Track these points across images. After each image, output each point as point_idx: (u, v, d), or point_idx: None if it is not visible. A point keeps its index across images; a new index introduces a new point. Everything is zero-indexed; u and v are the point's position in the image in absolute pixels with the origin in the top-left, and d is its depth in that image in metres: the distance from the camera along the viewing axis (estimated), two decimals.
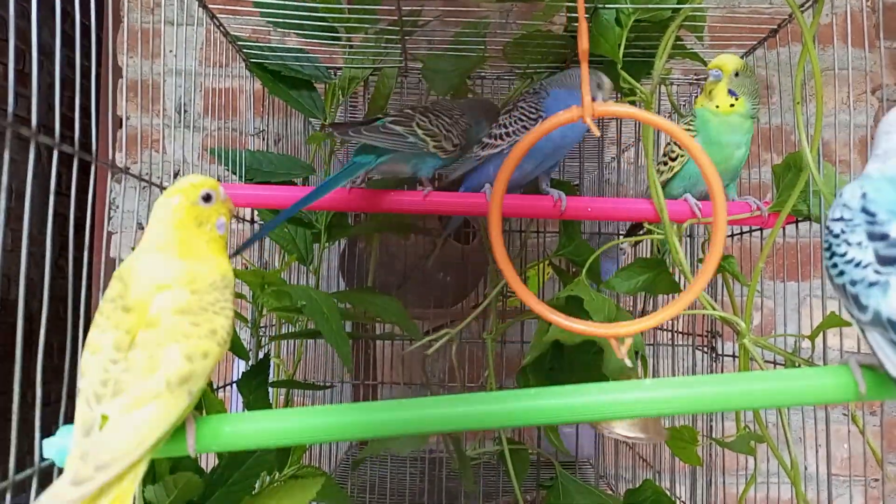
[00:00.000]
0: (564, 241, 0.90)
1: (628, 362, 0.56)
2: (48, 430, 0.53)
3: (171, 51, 0.91)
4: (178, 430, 0.53)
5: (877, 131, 0.56)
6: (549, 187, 0.84)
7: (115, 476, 0.45)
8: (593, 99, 0.56)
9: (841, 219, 0.53)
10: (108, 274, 1.36)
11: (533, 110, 0.81)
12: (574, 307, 0.77)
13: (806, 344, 0.83)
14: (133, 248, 0.56)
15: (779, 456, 0.73)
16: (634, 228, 0.97)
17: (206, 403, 0.73)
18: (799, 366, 0.69)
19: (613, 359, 0.70)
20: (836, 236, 0.53)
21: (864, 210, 0.52)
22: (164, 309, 0.51)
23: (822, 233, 0.55)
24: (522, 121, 0.81)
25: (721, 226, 0.55)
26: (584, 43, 0.55)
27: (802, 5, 0.75)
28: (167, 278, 0.52)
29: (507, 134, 0.82)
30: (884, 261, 0.50)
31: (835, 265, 0.53)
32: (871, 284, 0.50)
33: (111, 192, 1.32)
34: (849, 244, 0.52)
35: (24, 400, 0.52)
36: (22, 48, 1.35)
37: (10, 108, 0.52)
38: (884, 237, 0.50)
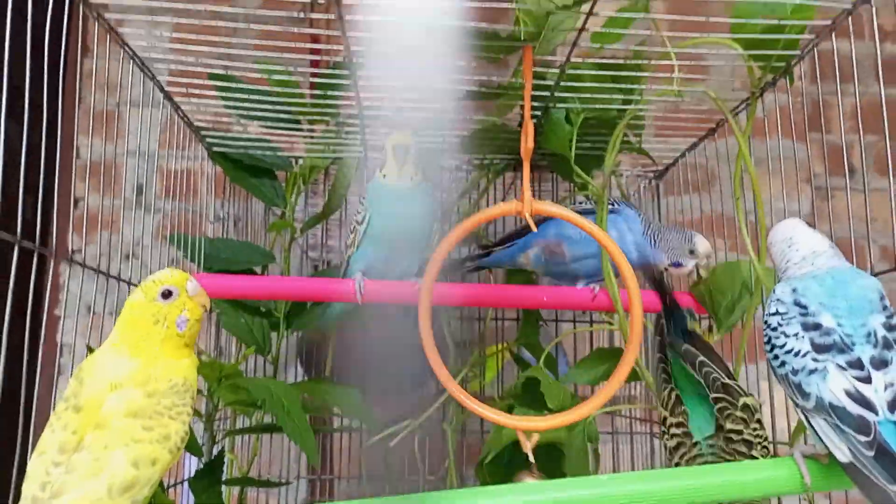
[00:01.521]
0: (524, 328, 0.91)
1: (525, 448, 0.56)
2: None
3: (130, 133, 0.93)
4: None
5: (775, 245, 0.61)
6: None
7: None
8: (679, 265, 0.62)
9: (776, 313, 0.56)
10: (52, 358, 1.32)
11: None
12: (532, 392, 0.77)
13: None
14: (83, 335, 0.55)
15: None
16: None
17: None
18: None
19: (574, 457, 0.70)
20: (774, 329, 0.56)
21: (797, 303, 0.55)
22: (115, 411, 0.50)
23: (763, 328, 0.58)
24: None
25: (637, 322, 0.58)
26: (528, 143, 0.58)
27: (737, 108, 0.81)
28: (120, 377, 0.51)
29: None
30: (819, 349, 0.52)
31: (776, 356, 0.55)
32: (811, 372, 0.52)
33: (61, 276, 1.30)
34: (786, 336, 0.54)
35: None
36: None
37: None
38: (817, 327, 0.53)
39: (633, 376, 0.83)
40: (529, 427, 0.55)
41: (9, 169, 0.56)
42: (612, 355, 0.82)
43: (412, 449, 0.93)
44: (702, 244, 0.81)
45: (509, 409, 0.83)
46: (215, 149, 1.01)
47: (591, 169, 0.88)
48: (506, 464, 0.78)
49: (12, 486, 0.54)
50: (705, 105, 0.83)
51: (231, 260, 1.00)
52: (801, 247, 0.59)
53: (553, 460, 0.75)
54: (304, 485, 1.22)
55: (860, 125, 0.67)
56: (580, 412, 0.57)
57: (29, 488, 0.47)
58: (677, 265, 0.81)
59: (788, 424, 0.76)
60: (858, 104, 0.65)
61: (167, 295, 0.54)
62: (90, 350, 0.70)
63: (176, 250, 0.98)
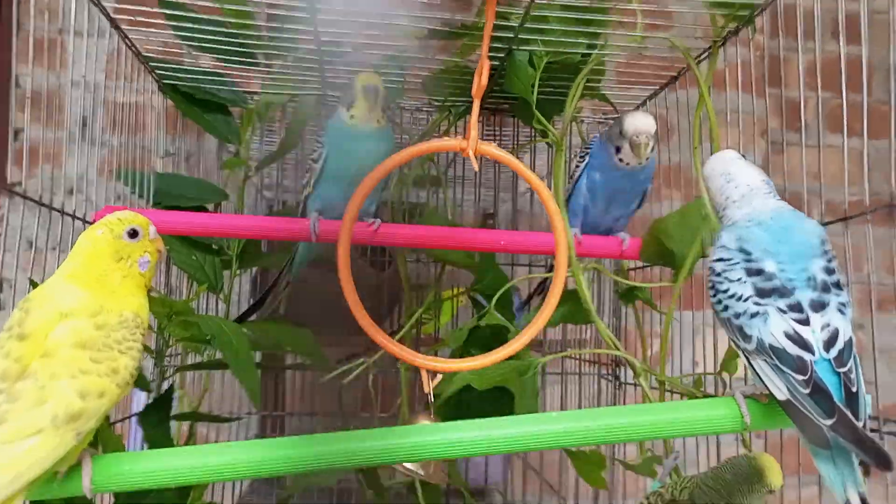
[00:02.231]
0: (481, 272, 0.91)
1: (425, 387, 0.58)
2: None
3: (74, 62, 0.88)
4: (74, 469, 0.51)
5: (713, 179, 0.62)
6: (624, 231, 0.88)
7: None
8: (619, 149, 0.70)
9: (721, 259, 0.58)
10: None
11: (583, 156, 0.87)
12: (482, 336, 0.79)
13: (699, 369, 0.88)
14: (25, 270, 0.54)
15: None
16: None
17: (103, 439, 0.70)
18: (703, 395, 0.74)
19: (524, 400, 0.72)
20: (718, 275, 0.57)
21: (741, 250, 0.57)
22: (63, 340, 0.49)
23: (707, 273, 0.59)
24: (574, 162, 0.88)
25: (561, 265, 0.60)
26: (482, 80, 0.57)
27: (698, 57, 0.81)
28: (71, 307, 0.50)
29: (570, 177, 0.89)
30: (762, 293, 0.54)
31: (719, 301, 0.57)
32: (753, 315, 0.54)
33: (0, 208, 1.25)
34: (730, 281, 0.56)
35: None
36: None
37: None
38: (760, 272, 0.55)
39: (585, 319, 0.85)
40: (432, 367, 0.57)
41: None
42: (567, 298, 0.83)
43: (366, 386, 0.94)
44: (629, 121, 0.80)
45: (461, 354, 0.85)
46: (166, 81, 0.97)
47: (552, 114, 0.88)
48: (454, 406, 0.80)
49: None
50: (667, 53, 0.83)
51: (183, 196, 0.97)
52: (739, 182, 0.60)
53: (504, 404, 0.77)
54: (256, 421, 1.22)
55: (819, 82, 0.68)
56: (496, 356, 0.59)
57: None
58: (618, 150, 0.82)
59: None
60: (818, 60, 0.66)
61: (133, 234, 0.54)
62: (34, 284, 0.68)
63: (123, 186, 0.94)
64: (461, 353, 0.84)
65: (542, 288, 1.02)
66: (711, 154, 0.72)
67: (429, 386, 0.57)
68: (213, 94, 0.98)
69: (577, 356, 1.16)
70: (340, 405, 0.98)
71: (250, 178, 1.04)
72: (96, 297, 0.52)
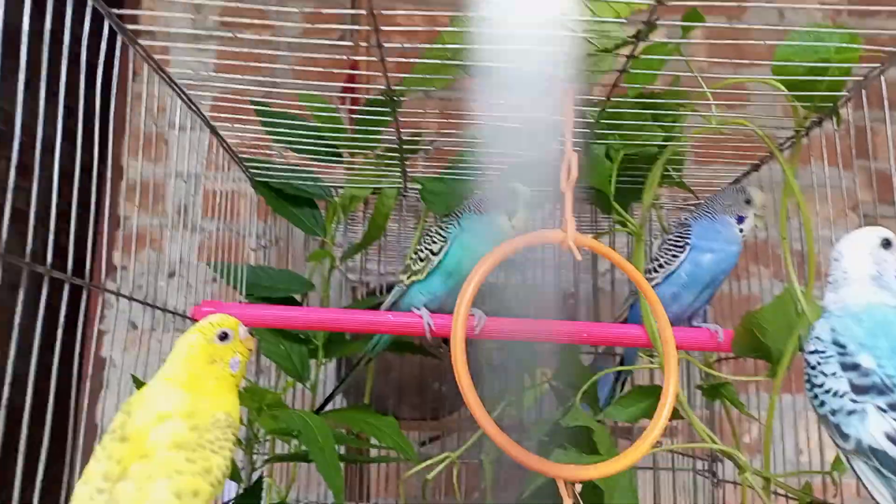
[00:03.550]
0: (563, 363, 0.90)
1: (567, 502, 0.55)
2: None
3: (176, 154, 0.96)
4: None
5: (833, 255, 0.59)
6: (704, 321, 0.87)
7: None
8: (743, 218, 0.73)
9: (815, 351, 0.55)
10: (98, 372, 1.36)
11: (680, 239, 0.85)
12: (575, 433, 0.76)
13: (805, 458, 0.82)
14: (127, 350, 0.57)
15: None
16: None
17: None
18: (810, 502, 0.69)
19: (617, 495, 0.69)
20: (814, 368, 0.54)
21: (835, 342, 0.54)
22: (161, 442, 0.51)
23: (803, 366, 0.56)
24: (672, 251, 0.85)
25: (672, 364, 0.58)
26: (572, 173, 0.58)
27: (782, 145, 0.79)
28: (168, 408, 0.53)
29: (661, 266, 0.85)
30: (858, 390, 0.51)
31: (815, 396, 0.54)
32: (850, 413, 0.51)
33: (106, 284, 1.34)
34: (825, 375, 0.53)
35: None
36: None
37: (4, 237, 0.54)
38: (855, 367, 0.52)
39: (675, 414, 0.82)
40: (570, 477, 0.54)
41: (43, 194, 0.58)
42: (652, 392, 0.80)
43: (452, 481, 0.92)
44: (755, 191, 0.82)
45: (545, 447, 0.83)
46: (258, 178, 1.03)
47: (630, 202, 0.88)
48: (544, 499, 0.78)
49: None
50: (748, 141, 0.82)
51: (271, 287, 1.01)
52: (843, 265, 0.57)
53: (593, 497, 0.74)
54: None
55: None
56: (627, 460, 0.56)
57: None
58: (741, 219, 0.82)
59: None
60: None
61: (224, 337, 0.57)
62: (137, 382, 0.71)
63: (218, 277, 0.99)
64: (546, 445, 0.82)
65: None
66: (801, 235, 0.69)
67: (568, 497, 0.54)
68: (301, 189, 1.03)
69: (670, 450, 1.10)
70: (424, 495, 0.96)
71: (336, 269, 1.07)
72: (191, 398, 0.54)
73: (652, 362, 0.79)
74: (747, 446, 1.23)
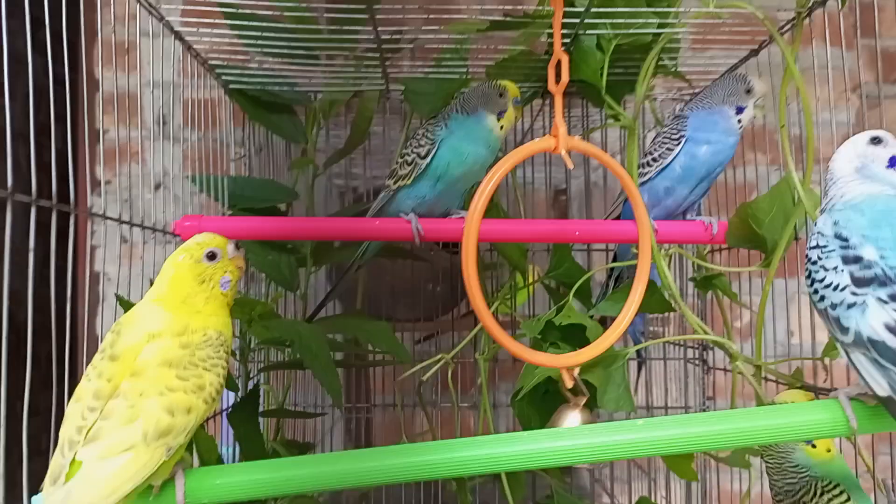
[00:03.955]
0: (555, 261, 0.89)
1: (568, 384, 0.56)
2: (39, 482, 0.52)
3: (148, 63, 0.92)
4: (168, 483, 0.53)
5: (833, 158, 0.57)
6: (697, 215, 0.86)
7: None
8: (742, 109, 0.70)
9: (817, 246, 0.54)
10: (93, 287, 1.36)
11: (676, 131, 0.82)
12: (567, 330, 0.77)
13: (796, 340, 0.82)
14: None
15: None
16: None
17: (197, 440, 0.73)
18: (801, 386, 0.70)
19: (610, 393, 0.70)
20: (814, 263, 0.54)
21: (838, 236, 0.53)
22: (151, 359, 0.51)
23: (803, 261, 0.56)
24: (666, 143, 0.82)
25: (645, 256, 0.60)
26: (563, 76, 0.55)
27: (782, 28, 0.75)
28: (158, 328, 0.52)
29: (654, 159, 0.83)
30: (859, 282, 0.51)
31: (815, 291, 0.54)
32: (850, 306, 0.51)
33: (93, 205, 1.31)
34: (826, 269, 0.53)
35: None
36: None
37: None
38: (857, 260, 0.51)
39: (666, 306, 0.82)
40: (569, 363, 0.56)
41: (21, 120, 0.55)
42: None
43: (447, 379, 0.94)
44: (756, 80, 0.80)
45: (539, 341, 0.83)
46: (232, 86, 0.98)
47: (622, 95, 0.84)
48: (542, 395, 0.79)
49: (53, 418, 0.55)
50: (746, 24, 0.78)
51: (254, 198, 0.99)
52: (832, 166, 0.56)
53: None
54: (339, 412, 1.25)
55: None
56: (606, 342, 0.58)
57: (66, 431, 0.48)
58: (740, 109, 0.80)
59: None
60: None
61: (212, 257, 0.56)
62: (123, 303, 0.70)
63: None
64: (539, 342, 0.83)
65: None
66: (800, 116, 0.67)
67: (568, 382, 0.57)
68: (278, 95, 0.99)
69: (662, 341, 1.12)
70: (420, 396, 0.98)
71: (319, 177, 1.04)
72: (181, 318, 0.54)
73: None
74: (738, 331, 1.24)
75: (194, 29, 0.83)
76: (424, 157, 0.81)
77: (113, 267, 0.98)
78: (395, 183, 0.85)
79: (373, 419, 1.28)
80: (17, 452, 0.54)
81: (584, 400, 0.64)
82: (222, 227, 0.83)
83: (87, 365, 0.53)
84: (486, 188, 0.55)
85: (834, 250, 0.53)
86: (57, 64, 0.60)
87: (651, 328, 1.13)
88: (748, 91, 0.79)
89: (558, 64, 0.56)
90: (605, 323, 0.82)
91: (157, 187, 0.85)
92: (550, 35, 0.81)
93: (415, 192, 0.83)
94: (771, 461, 0.65)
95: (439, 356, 0.89)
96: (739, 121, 0.80)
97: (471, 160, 0.81)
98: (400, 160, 0.85)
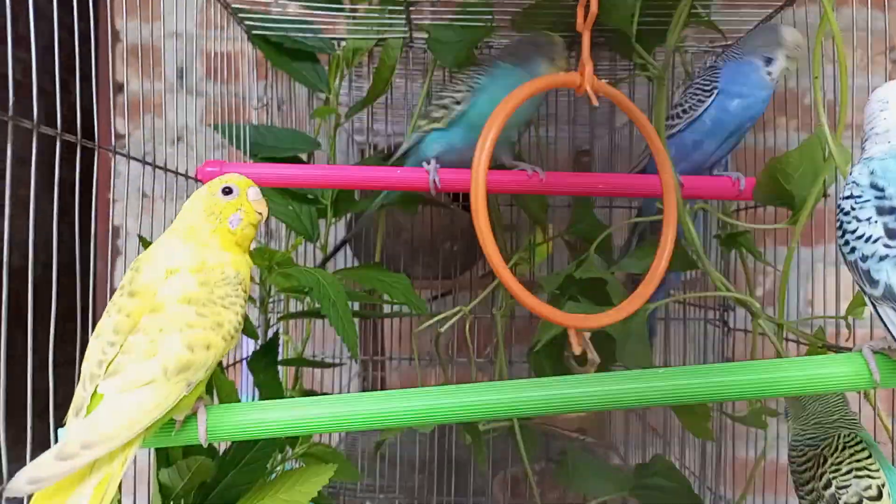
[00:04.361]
0: (577, 217, 0.88)
1: (576, 349, 0.55)
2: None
3: (168, 14, 0.91)
4: (190, 418, 0.53)
5: (868, 109, 0.55)
6: (726, 170, 0.83)
7: (101, 456, 0.45)
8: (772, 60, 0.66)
9: (850, 196, 0.52)
10: (113, 240, 1.37)
11: (708, 83, 0.80)
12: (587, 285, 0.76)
13: (813, 310, 0.81)
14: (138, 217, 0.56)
15: None
16: None
17: (218, 385, 0.73)
18: (822, 346, 0.69)
19: (630, 347, 0.69)
20: (847, 213, 0.52)
21: (873, 186, 0.51)
22: (171, 296, 0.51)
23: (836, 212, 0.54)
24: (697, 95, 0.80)
25: (671, 211, 0.57)
26: (592, 7, 0.54)
27: None
28: (176, 264, 0.52)
29: (685, 111, 0.80)
30: (893, 234, 0.49)
31: (846, 242, 0.52)
32: (882, 258, 0.49)
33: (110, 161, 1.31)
34: (858, 220, 0.51)
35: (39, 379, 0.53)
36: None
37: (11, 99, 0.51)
38: (893, 211, 0.50)
39: (690, 263, 0.81)
40: (580, 325, 0.54)
41: (45, 56, 0.55)
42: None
43: (464, 333, 0.94)
44: (787, 30, 0.77)
45: (558, 298, 0.83)
46: (255, 31, 0.97)
47: (653, 46, 0.82)
48: (559, 350, 0.79)
49: (77, 365, 0.56)
50: None
51: (277, 147, 0.99)
52: (889, 115, 0.53)
53: (604, 350, 0.75)
54: (351, 363, 1.26)
55: None
56: (631, 306, 0.56)
57: (86, 366, 0.49)
58: (770, 61, 0.77)
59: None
60: None
61: (227, 192, 0.56)
62: (144, 241, 0.71)
63: (217, 135, 0.97)
64: (557, 298, 0.83)
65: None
66: (834, 78, 0.65)
67: (575, 345, 0.55)
68: (301, 42, 0.97)
69: (682, 299, 1.11)
70: (437, 350, 0.99)
71: (341, 125, 1.04)
72: (198, 254, 0.54)
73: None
74: (758, 299, 1.23)
75: None
76: (460, 104, 0.79)
77: (132, 220, 0.99)
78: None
79: (386, 377, 1.29)
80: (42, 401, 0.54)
81: (594, 368, 0.64)
82: (245, 173, 0.83)
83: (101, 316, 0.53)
84: (493, 123, 0.54)
85: (869, 200, 0.51)
86: (80, 21, 0.60)
87: (672, 290, 1.12)
88: (779, 42, 0.77)
89: (587, 4, 0.54)
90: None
91: (176, 140, 0.85)
92: None
93: (446, 137, 0.81)
94: (798, 423, 0.64)
95: (457, 308, 0.89)
96: (769, 73, 0.77)
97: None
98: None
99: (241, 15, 0.94)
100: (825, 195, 0.70)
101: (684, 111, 0.80)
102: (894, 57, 1.24)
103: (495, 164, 0.83)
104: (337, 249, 1.02)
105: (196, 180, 0.84)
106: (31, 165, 0.52)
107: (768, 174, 0.70)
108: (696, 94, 0.79)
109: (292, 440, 0.84)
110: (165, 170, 0.79)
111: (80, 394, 0.48)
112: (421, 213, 1.20)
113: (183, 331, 0.50)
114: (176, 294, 0.51)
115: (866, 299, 0.52)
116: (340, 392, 1.23)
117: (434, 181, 0.78)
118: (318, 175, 0.84)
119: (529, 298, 0.55)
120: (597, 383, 0.52)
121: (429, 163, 0.79)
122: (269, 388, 0.86)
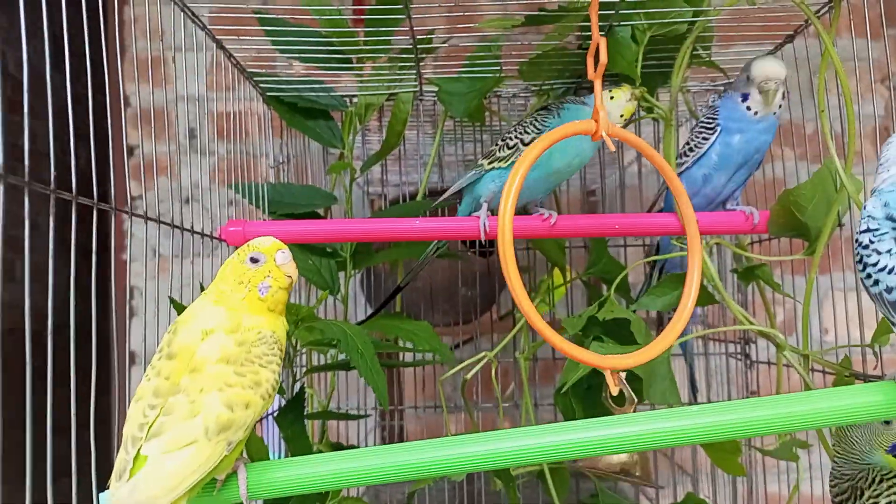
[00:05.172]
0: (593, 258, 0.89)
1: (613, 390, 0.56)
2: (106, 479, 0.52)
3: (181, 76, 0.94)
4: (231, 477, 0.54)
5: (883, 147, 0.57)
6: (738, 204, 0.84)
7: None
8: (747, 96, 0.66)
9: (868, 230, 0.53)
10: (130, 302, 1.38)
11: (710, 121, 0.81)
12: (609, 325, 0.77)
13: (829, 338, 0.81)
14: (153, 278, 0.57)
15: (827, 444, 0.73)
16: None
17: (248, 442, 0.74)
18: (849, 375, 0.69)
19: (656, 386, 0.70)
20: (866, 247, 0.53)
21: (889, 218, 0.52)
22: (209, 356, 0.52)
23: (853, 246, 0.55)
24: (702, 133, 0.81)
25: (696, 248, 0.57)
26: (602, 58, 0.56)
27: (818, 11, 0.75)
28: (212, 325, 0.54)
29: (691, 149, 0.81)
30: None
31: (868, 276, 0.53)
32: None
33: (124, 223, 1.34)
34: (879, 253, 0.52)
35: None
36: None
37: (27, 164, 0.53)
38: None
39: (709, 299, 0.82)
40: (614, 366, 0.55)
41: (58, 122, 0.56)
42: (680, 280, 0.80)
43: (489, 377, 0.94)
44: (756, 65, 0.76)
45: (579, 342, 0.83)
46: (268, 93, 1.00)
47: (656, 87, 0.84)
48: (584, 391, 0.79)
49: (91, 424, 0.56)
50: (779, 10, 0.78)
51: (294, 204, 1.00)
52: (892, 148, 0.55)
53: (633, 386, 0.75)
54: (375, 413, 1.26)
55: None
56: (662, 344, 0.57)
57: (128, 429, 0.50)
58: (745, 98, 0.77)
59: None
60: None
61: (255, 261, 0.57)
62: (176, 305, 0.72)
63: (229, 192, 0.98)
64: (580, 339, 0.83)
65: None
66: (840, 108, 0.66)
67: (613, 386, 0.55)
68: (314, 101, 1.00)
69: (703, 335, 1.11)
70: (463, 396, 0.99)
71: (356, 181, 1.06)
72: (233, 315, 0.55)
73: (683, 249, 0.78)
74: (777, 327, 1.23)
75: (234, 37, 0.85)
76: (527, 145, 0.79)
77: (147, 281, 1.00)
78: (489, 163, 0.82)
79: (405, 426, 1.28)
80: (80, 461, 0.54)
81: (632, 408, 0.63)
82: (267, 232, 0.85)
83: (119, 378, 0.53)
84: (517, 172, 0.55)
85: (887, 232, 0.52)
86: (85, 85, 0.61)
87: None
88: (749, 78, 0.77)
89: (596, 53, 0.57)
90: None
91: (186, 201, 0.87)
92: (583, 29, 0.81)
93: (505, 176, 0.82)
94: (840, 451, 0.64)
95: (482, 353, 0.90)
96: (749, 108, 0.78)
97: (572, 152, 0.78)
98: (501, 142, 0.83)
99: (256, 79, 0.97)
100: (840, 224, 0.71)
101: (691, 149, 0.82)
102: (889, 84, 1.27)
103: (522, 205, 0.84)
104: (383, 306, 1.03)
105: (212, 238, 0.86)
106: (47, 230, 0.53)
107: (782, 207, 0.71)
108: (701, 133, 0.81)
109: (324, 494, 0.84)
110: (182, 229, 0.81)
111: (123, 457, 0.49)
112: (435, 260, 1.21)
113: (223, 390, 0.51)
114: (214, 354, 0.52)
115: (895, 328, 0.52)
116: (360, 444, 1.23)
117: (484, 227, 0.79)
118: (347, 229, 0.85)
119: (564, 343, 0.55)
120: (634, 423, 0.52)
121: (479, 207, 0.80)
122: (297, 443, 0.86)
